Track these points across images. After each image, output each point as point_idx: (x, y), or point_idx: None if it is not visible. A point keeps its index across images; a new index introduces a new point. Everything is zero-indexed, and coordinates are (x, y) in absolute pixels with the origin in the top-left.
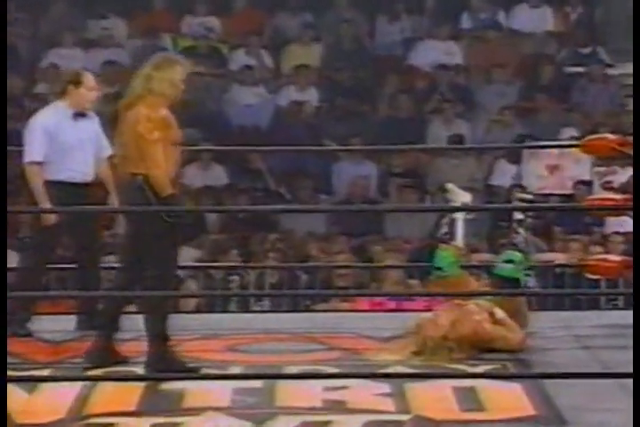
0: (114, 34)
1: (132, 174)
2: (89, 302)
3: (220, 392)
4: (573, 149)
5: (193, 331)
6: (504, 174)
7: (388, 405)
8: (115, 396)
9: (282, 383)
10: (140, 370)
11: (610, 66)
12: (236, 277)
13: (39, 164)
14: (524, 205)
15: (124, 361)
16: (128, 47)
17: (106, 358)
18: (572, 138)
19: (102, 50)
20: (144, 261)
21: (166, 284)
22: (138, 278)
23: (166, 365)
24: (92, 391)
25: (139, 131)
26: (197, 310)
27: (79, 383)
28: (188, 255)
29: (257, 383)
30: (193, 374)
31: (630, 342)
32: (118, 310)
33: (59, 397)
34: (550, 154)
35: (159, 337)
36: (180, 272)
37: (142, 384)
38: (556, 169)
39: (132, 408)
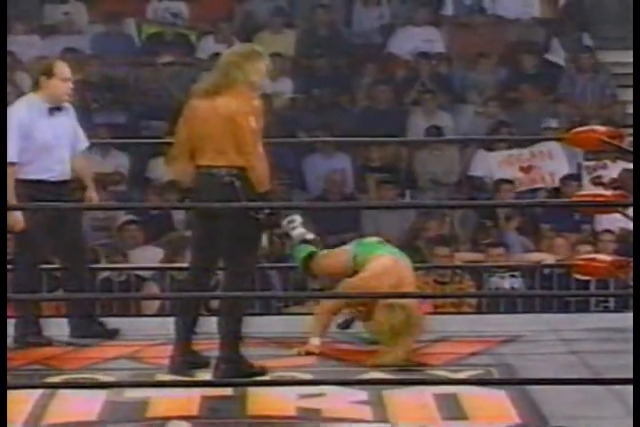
0: (74, 19)
1: (216, 168)
2: (83, 306)
3: (188, 401)
4: (549, 143)
5: (155, 336)
6: (484, 163)
7: (366, 413)
8: (75, 405)
9: (254, 391)
10: (104, 377)
11: (598, 53)
12: None
13: (13, 164)
14: (510, 201)
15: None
16: (89, 34)
17: (246, 369)
18: (552, 129)
19: (62, 36)
20: (225, 260)
21: (248, 283)
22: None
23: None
24: (51, 400)
25: (238, 122)
26: (158, 314)
27: (38, 391)
28: (152, 255)
29: (227, 391)
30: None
31: (621, 346)
32: (237, 310)
33: (16, 405)
34: (522, 157)
35: (236, 338)
36: (142, 273)
37: (105, 392)
38: (530, 169)
39: (93, 418)
